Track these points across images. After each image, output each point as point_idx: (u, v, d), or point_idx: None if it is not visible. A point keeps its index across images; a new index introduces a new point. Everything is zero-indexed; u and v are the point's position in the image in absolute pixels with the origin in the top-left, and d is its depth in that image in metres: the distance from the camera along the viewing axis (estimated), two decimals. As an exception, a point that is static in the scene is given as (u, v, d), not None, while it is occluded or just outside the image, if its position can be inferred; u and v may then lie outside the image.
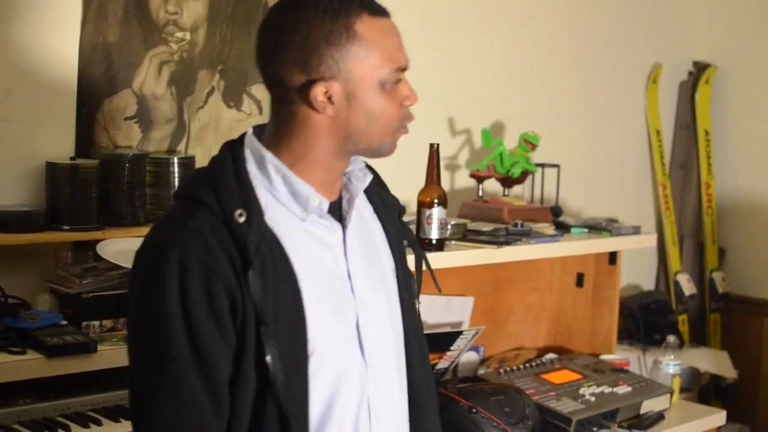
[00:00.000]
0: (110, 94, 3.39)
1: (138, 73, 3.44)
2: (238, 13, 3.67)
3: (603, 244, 4.18)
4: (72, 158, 3.22)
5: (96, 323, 2.99)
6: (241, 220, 1.94)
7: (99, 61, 3.35)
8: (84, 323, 2.96)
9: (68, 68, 3.29)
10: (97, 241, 3.12)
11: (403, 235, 2.35)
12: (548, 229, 4.04)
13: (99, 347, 2.82)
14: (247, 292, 1.92)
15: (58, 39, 3.27)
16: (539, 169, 4.49)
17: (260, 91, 3.74)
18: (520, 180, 4.28)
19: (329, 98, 1.99)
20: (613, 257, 4.31)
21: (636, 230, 4.29)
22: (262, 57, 2.06)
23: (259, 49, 2.06)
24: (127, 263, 3.01)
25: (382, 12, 2.05)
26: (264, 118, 3.74)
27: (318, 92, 1.98)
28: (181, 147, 3.56)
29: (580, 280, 4.40)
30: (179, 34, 3.53)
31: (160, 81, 3.49)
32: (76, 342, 2.79)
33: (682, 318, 5.58)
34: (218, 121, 3.64)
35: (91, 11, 3.31)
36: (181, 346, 1.90)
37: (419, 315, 2.34)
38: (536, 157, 4.36)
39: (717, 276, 5.73)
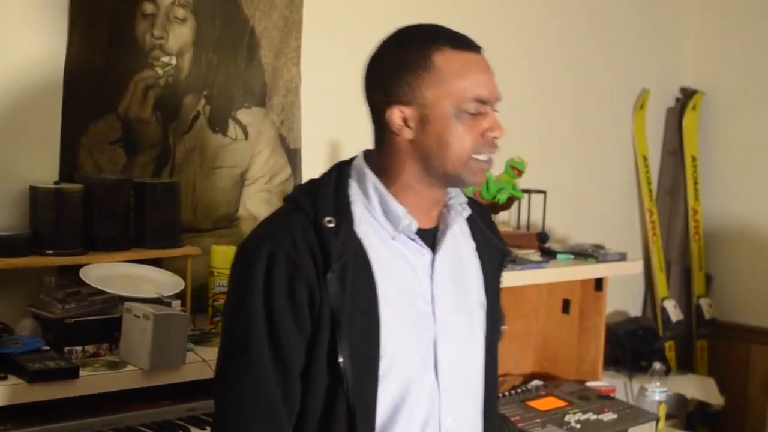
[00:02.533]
0: (95, 118, 3.37)
1: (123, 97, 3.43)
2: (224, 38, 3.66)
3: (589, 271, 4.19)
4: (56, 182, 3.20)
5: (79, 348, 2.96)
6: (330, 226, 2.12)
7: (84, 85, 3.34)
8: (66, 348, 2.93)
9: (53, 91, 3.28)
10: (81, 265, 3.10)
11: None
12: (534, 255, 4.04)
13: (81, 372, 2.79)
14: (325, 291, 2.08)
15: (43, 62, 3.26)
16: (526, 195, 4.48)
17: (246, 116, 3.74)
18: (506, 206, 4.27)
19: (405, 122, 2.17)
20: (599, 283, 4.31)
21: (622, 257, 4.29)
22: (364, 86, 2.26)
23: (363, 80, 2.27)
24: (111, 288, 3.03)
25: (467, 46, 2.21)
26: (250, 143, 3.76)
27: (393, 114, 2.17)
28: (165, 172, 3.55)
29: (566, 307, 4.40)
30: (165, 59, 3.53)
31: (146, 105, 3.48)
32: (59, 367, 2.76)
33: (669, 344, 5.58)
34: (204, 146, 3.63)
35: (77, 35, 3.30)
36: (260, 332, 2.09)
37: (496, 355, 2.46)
38: (523, 182, 4.35)
39: (704, 302, 5.73)
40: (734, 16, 5.79)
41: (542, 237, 4.32)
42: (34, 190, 3.14)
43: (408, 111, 2.16)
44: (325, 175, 2.26)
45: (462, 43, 2.21)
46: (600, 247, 4.32)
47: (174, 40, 3.54)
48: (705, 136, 5.80)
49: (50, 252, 3.11)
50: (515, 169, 4.21)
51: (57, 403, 2.82)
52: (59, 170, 3.30)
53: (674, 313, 5.59)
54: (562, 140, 5.11)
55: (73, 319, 2.97)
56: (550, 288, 4.40)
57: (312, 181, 2.27)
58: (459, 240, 2.35)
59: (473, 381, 2.34)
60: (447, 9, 4.44)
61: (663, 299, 5.63)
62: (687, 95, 5.79)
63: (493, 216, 4.22)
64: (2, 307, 3.11)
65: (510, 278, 3.74)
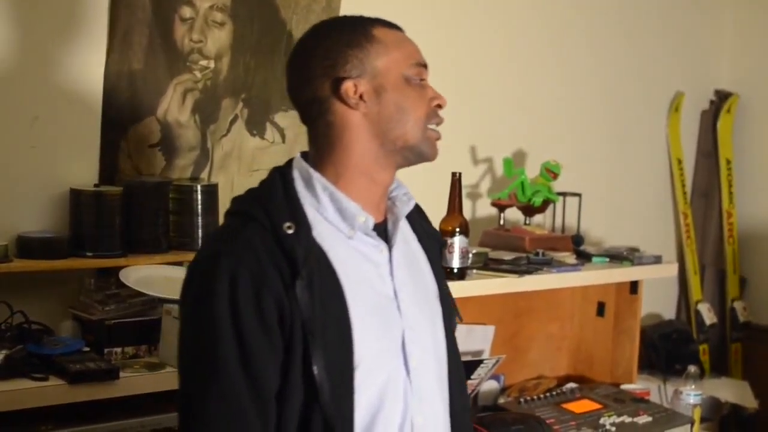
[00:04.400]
0: (134, 121, 3.41)
1: (162, 100, 3.46)
2: (262, 42, 3.69)
3: (624, 274, 4.18)
4: (96, 185, 3.24)
5: (118, 350, 2.99)
6: (290, 232, 2.01)
7: (124, 89, 3.37)
8: (106, 350, 2.97)
9: (93, 96, 3.31)
10: (120, 267, 3.13)
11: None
12: (569, 258, 4.04)
13: (121, 374, 2.82)
14: (294, 303, 1.97)
15: (83, 67, 3.29)
16: (561, 198, 4.49)
17: (284, 120, 3.76)
18: (541, 209, 4.28)
19: (360, 96, 2.09)
20: (634, 286, 4.30)
21: (657, 259, 4.28)
22: (291, 84, 2.17)
23: (288, 80, 2.18)
24: (150, 290, 3.05)
25: (395, 26, 2.21)
26: (287, 147, 3.76)
27: (348, 88, 2.08)
28: (204, 175, 3.57)
29: (600, 310, 4.39)
30: (203, 63, 3.55)
31: (184, 109, 3.51)
32: (99, 368, 2.79)
33: (703, 347, 5.56)
34: (241, 149, 3.66)
35: (117, 39, 3.33)
36: (230, 355, 1.94)
37: (456, 343, 2.38)
38: (558, 185, 4.37)
39: (738, 305, 5.71)
40: (769, 18, 5.78)
41: (577, 240, 4.32)
42: (74, 193, 3.18)
43: (361, 84, 2.09)
44: (267, 182, 2.15)
45: (392, 24, 2.22)
46: (635, 249, 4.32)
47: (212, 43, 3.56)
48: (739, 138, 5.78)
49: (90, 254, 3.15)
50: (550, 171, 4.22)
51: (97, 404, 2.85)
52: (99, 173, 3.33)
53: (708, 316, 5.57)
54: (597, 143, 5.11)
55: (112, 321, 3.01)
56: (584, 291, 4.40)
57: (255, 190, 2.16)
58: (405, 232, 2.28)
59: (440, 374, 2.27)
60: (481, 14, 4.45)
61: (697, 302, 5.62)
62: (721, 98, 5.77)
63: (527, 218, 4.26)
64: (43, 308, 3.14)
65: (545, 281, 3.78)
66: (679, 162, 5.57)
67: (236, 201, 2.17)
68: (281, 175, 2.13)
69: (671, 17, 5.51)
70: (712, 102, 5.80)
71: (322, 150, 2.14)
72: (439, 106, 2.17)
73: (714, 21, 5.83)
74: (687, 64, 5.67)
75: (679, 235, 5.66)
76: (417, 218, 2.34)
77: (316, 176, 2.11)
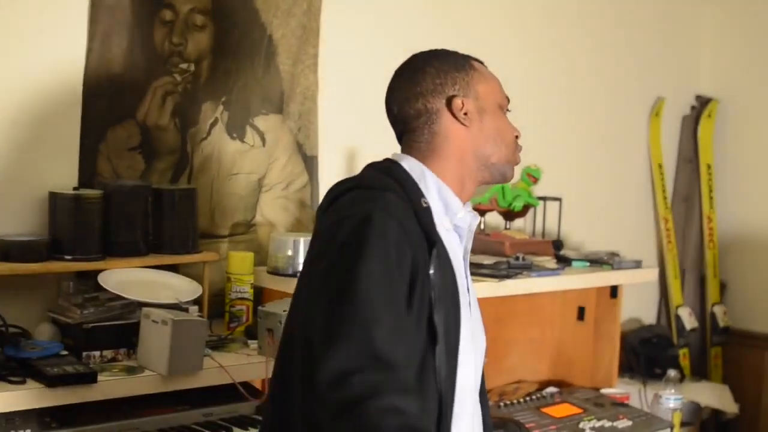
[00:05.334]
0: (114, 124, 3.40)
1: (142, 103, 3.46)
2: (242, 45, 3.68)
3: (604, 278, 4.19)
4: (75, 188, 3.23)
5: (97, 353, 2.98)
6: (425, 206, 2.24)
7: (103, 92, 3.36)
8: (84, 353, 2.96)
9: (72, 98, 3.30)
10: (99, 271, 3.12)
11: None
12: (550, 262, 4.05)
13: (99, 377, 2.80)
14: (426, 267, 2.17)
15: (63, 69, 3.28)
16: (541, 203, 4.49)
17: (264, 123, 3.75)
18: (521, 213, 4.29)
19: (465, 113, 2.34)
20: (614, 291, 4.31)
21: (637, 264, 4.30)
22: (399, 95, 2.38)
23: (395, 92, 2.40)
24: (129, 294, 3.05)
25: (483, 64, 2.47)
26: (267, 150, 3.77)
27: (458, 104, 2.33)
28: (183, 178, 3.57)
29: (581, 314, 4.41)
30: (183, 65, 3.55)
31: (164, 112, 3.50)
32: (77, 372, 2.78)
33: (683, 352, 5.57)
34: (221, 153, 3.65)
35: (96, 42, 3.32)
36: (376, 287, 2.06)
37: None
38: (538, 190, 4.37)
39: (718, 310, 5.73)
40: (749, 24, 5.79)
41: (557, 244, 4.32)
42: (53, 196, 3.17)
43: (467, 103, 2.34)
44: (387, 167, 2.33)
45: (480, 61, 2.47)
46: (615, 254, 4.33)
47: (192, 46, 3.56)
48: (720, 144, 5.79)
49: (69, 257, 3.13)
50: (531, 176, 4.23)
51: (75, 408, 2.84)
52: (78, 176, 3.32)
53: (688, 320, 5.58)
54: (578, 148, 5.12)
55: (91, 324, 3.00)
56: (565, 295, 4.41)
57: (375, 171, 2.34)
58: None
59: (480, 373, 2.45)
60: (464, 19, 4.45)
61: (677, 307, 5.63)
62: (702, 103, 5.79)
63: (508, 223, 4.27)
64: (21, 311, 3.13)
65: (525, 285, 3.78)
66: (660, 167, 5.58)
67: (353, 179, 2.33)
68: (395, 167, 2.32)
69: (652, 23, 5.53)
70: (692, 107, 5.82)
71: (425, 153, 2.35)
72: (517, 137, 2.42)
73: (694, 27, 5.84)
74: (668, 70, 5.68)
75: (660, 239, 5.67)
76: None
77: (428, 171, 2.32)
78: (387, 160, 2.37)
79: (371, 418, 1.90)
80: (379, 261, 2.08)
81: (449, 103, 2.34)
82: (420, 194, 2.25)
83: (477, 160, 2.35)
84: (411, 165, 2.33)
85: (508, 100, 2.44)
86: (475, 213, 2.44)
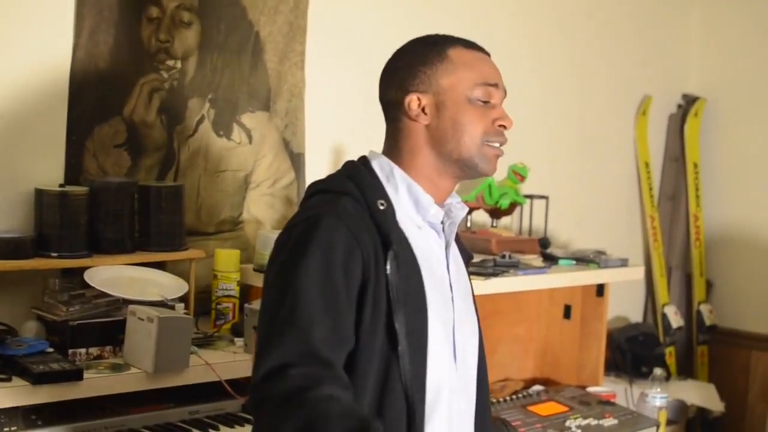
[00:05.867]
0: (100, 121, 3.39)
1: (128, 100, 3.45)
2: (229, 43, 3.68)
3: (591, 276, 4.19)
4: (61, 185, 3.22)
5: (83, 351, 2.98)
6: (382, 208, 2.24)
7: (89, 88, 3.35)
8: (70, 351, 2.95)
9: (59, 95, 3.29)
10: (85, 268, 3.12)
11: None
12: (536, 260, 4.05)
13: (85, 375, 2.80)
14: (382, 271, 2.17)
15: (49, 65, 3.27)
16: (528, 201, 4.50)
17: (250, 120, 3.75)
18: (508, 211, 4.29)
19: (423, 109, 2.32)
20: (600, 289, 4.31)
21: (624, 262, 4.30)
22: (380, 88, 2.41)
23: (379, 83, 2.41)
24: (115, 291, 3.04)
25: (477, 48, 2.41)
26: (254, 147, 3.77)
27: (411, 101, 2.32)
28: (170, 175, 3.56)
29: (567, 312, 4.41)
30: (170, 62, 3.54)
31: (151, 109, 3.50)
32: (63, 369, 2.78)
33: (670, 350, 5.59)
34: (208, 150, 3.64)
35: (83, 38, 3.31)
36: (314, 287, 2.09)
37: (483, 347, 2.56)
38: (525, 188, 4.38)
39: (704, 308, 5.74)
40: (736, 23, 5.80)
41: (544, 242, 4.33)
42: (39, 193, 3.16)
43: (424, 98, 2.31)
44: (353, 166, 2.35)
45: (473, 45, 2.40)
46: (601, 252, 4.33)
47: (179, 43, 3.55)
48: (706, 142, 5.80)
49: (55, 254, 3.13)
50: (518, 174, 4.23)
51: (61, 405, 2.83)
52: (64, 173, 3.31)
53: (675, 319, 5.59)
54: (565, 146, 5.13)
55: (77, 322, 2.99)
56: (551, 293, 4.41)
57: (339, 174, 2.36)
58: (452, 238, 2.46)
59: (470, 370, 2.44)
60: (452, 15, 4.45)
61: (664, 305, 5.64)
62: (689, 102, 5.80)
63: (494, 221, 4.27)
64: (7, 309, 3.13)
65: (511, 283, 3.78)
66: (647, 165, 5.59)
67: (319, 183, 2.35)
68: (363, 165, 2.35)
69: (639, 21, 5.53)
70: (679, 106, 5.82)
71: (394, 150, 2.36)
72: (503, 126, 2.36)
73: (681, 25, 5.85)
74: (655, 68, 5.69)
75: (646, 238, 5.68)
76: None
77: (396, 169, 2.33)
78: (361, 159, 2.38)
79: (312, 406, 1.93)
80: (321, 264, 2.11)
81: (402, 100, 2.33)
82: (377, 196, 2.25)
83: (440, 156, 2.32)
84: (381, 163, 2.34)
85: (495, 86, 2.36)
86: (462, 204, 2.44)
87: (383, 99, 2.40)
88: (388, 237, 2.19)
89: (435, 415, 2.27)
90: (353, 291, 2.14)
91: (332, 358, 2.06)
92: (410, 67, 2.34)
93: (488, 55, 2.42)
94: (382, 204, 2.24)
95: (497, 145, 2.34)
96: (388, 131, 2.39)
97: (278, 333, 2.07)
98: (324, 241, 2.12)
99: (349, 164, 2.38)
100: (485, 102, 2.33)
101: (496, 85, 2.36)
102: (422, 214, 2.33)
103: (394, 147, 2.36)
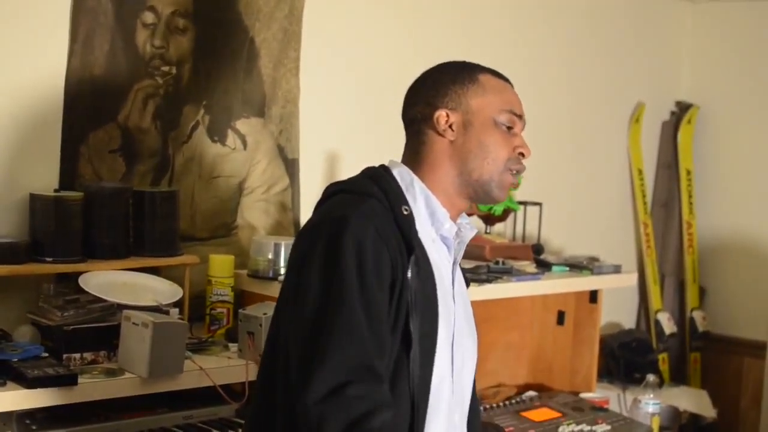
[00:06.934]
0: (95, 126, 3.39)
1: (123, 106, 3.45)
2: (223, 48, 3.68)
3: (584, 283, 4.20)
4: (56, 190, 3.22)
5: (77, 356, 2.98)
6: (406, 213, 2.27)
7: (85, 94, 3.35)
8: (65, 355, 2.95)
9: (54, 100, 3.30)
10: (80, 273, 3.12)
11: None
12: (529, 267, 4.06)
13: (80, 379, 2.80)
14: (404, 274, 2.19)
15: (44, 71, 3.27)
16: (521, 207, 4.51)
17: (245, 127, 3.76)
18: (502, 218, 4.30)
19: (450, 126, 2.36)
20: (593, 296, 4.32)
21: (617, 269, 4.31)
22: (404, 103, 2.46)
23: (404, 100, 2.46)
24: (109, 296, 3.04)
25: (505, 78, 2.47)
26: (248, 153, 3.77)
27: (440, 116, 2.36)
28: (164, 181, 3.57)
29: (560, 318, 4.41)
30: (165, 68, 3.54)
31: (146, 115, 3.50)
32: (57, 374, 2.77)
33: (663, 357, 5.59)
34: (202, 156, 3.65)
35: (78, 44, 3.32)
36: (354, 297, 2.11)
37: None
38: (519, 195, 4.38)
39: (697, 315, 5.75)
40: (729, 31, 5.82)
41: (537, 249, 4.34)
42: (34, 198, 3.16)
43: (453, 116, 2.36)
44: (376, 172, 2.37)
45: (501, 75, 2.47)
46: (595, 259, 4.35)
47: (174, 49, 3.56)
48: (699, 149, 5.82)
49: (49, 259, 3.13)
50: (511, 181, 4.23)
51: (55, 410, 2.84)
52: (59, 178, 3.31)
53: (668, 325, 5.60)
54: (558, 153, 5.13)
55: (71, 327, 2.99)
56: (544, 299, 4.42)
57: (363, 177, 2.38)
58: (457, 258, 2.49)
59: (465, 389, 2.48)
60: (446, 24, 4.46)
61: (657, 311, 5.65)
62: (682, 109, 5.81)
63: (488, 227, 4.28)
64: (1, 313, 3.13)
65: (505, 289, 3.79)
66: (640, 172, 5.60)
67: (343, 183, 2.37)
68: (385, 172, 2.37)
69: (632, 29, 5.55)
70: (672, 113, 5.84)
71: (415, 163, 2.39)
72: (522, 155, 2.41)
73: (675, 33, 5.87)
74: (648, 76, 5.71)
75: (639, 244, 5.69)
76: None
77: (417, 179, 2.36)
78: (381, 167, 2.40)
79: None
80: (357, 270, 2.13)
81: (431, 115, 2.36)
82: (402, 202, 2.28)
83: (459, 174, 2.36)
84: (402, 173, 2.37)
85: (519, 117, 2.43)
86: (473, 226, 2.48)
87: (408, 114, 2.44)
88: (411, 242, 2.22)
89: (435, 420, 2.29)
90: (386, 295, 2.17)
91: (382, 371, 2.12)
92: (441, 84, 2.39)
93: (511, 84, 2.48)
94: (406, 209, 2.27)
95: (515, 173, 2.40)
96: (410, 145, 2.43)
97: (326, 345, 2.08)
98: (355, 248, 2.14)
99: (370, 170, 2.40)
100: (508, 128, 2.40)
101: (520, 116, 2.43)
102: (436, 227, 2.36)
103: (415, 159, 2.39)
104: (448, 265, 2.40)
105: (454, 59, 2.50)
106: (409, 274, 2.20)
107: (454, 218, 2.40)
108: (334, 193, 2.34)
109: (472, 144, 2.35)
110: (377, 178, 2.33)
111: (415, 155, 2.40)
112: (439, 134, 2.36)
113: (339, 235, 2.15)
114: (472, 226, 2.48)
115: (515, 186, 2.42)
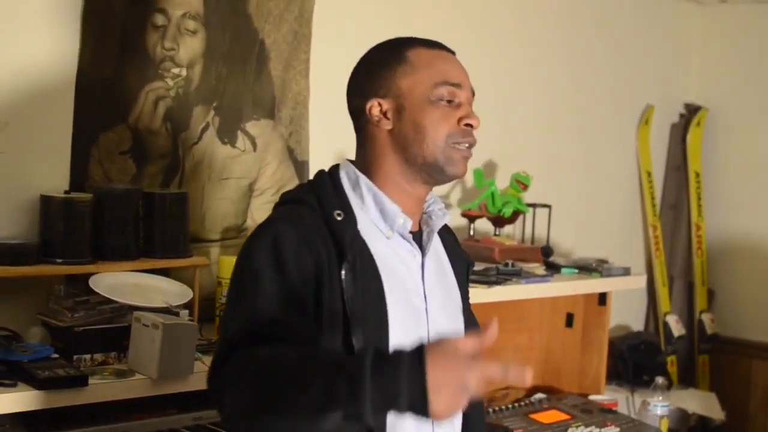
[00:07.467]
0: (106, 128, 3.40)
1: (134, 108, 3.46)
2: (234, 50, 3.69)
3: (593, 285, 4.20)
4: (66, 192, 3.22)
5: (87, 357, 2.98)
6: (339, 218, 2.17)
7: (95, 96, 3.36)
8: (75, 356, 2.95)
9: (64, 102, 3.30)
10: (90, 274, 3.12)
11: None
12: (538, 269, 4.06)
13: (90, 381, 2.79)
14: (337, 283, 2.10)
15: (54, 73, 3.28)
16: (531, 209, 4.51)
17: (255, 128, 3.76)
18: (511, 220, 4.30)
19: (385, 114, 2.25)
20: (602, 298, 4.33)
21: (626, 271, 4.31)
22: (346, 96, 2.37)
23: (346, 91, 2.37)
24: (119, 297, 3.04)
25: (440, 47, 2.32)
26: (258, 155, 3.77)
27: (372, 107, 2.26)
28: (174, 182, 3.57)
29: (569, 321, 4.42)
30: (175, 70, 3.55)
31: (156, 116, 3.51)
32: (67, 375, 2.77)
33: (671, 359, 5.59)
34: (212, 158, 3.66)
35: (89, 46, 3.32)
36: (271, 288, 2.06)
37: None
38: (528, 197, 4.39)
39: (706, 317, 5.75)
40: (737, 34, 5.82)
41: (546, 251, 4.34)
42: (44, 199, 3.16)
43: (385, 103, 2.25)
44: (316, 179, 2.31)
45: (435, 44, 2.32)
46: (604, 261, 4.35)
47: (184, 51, 3.56)
48: (708, 152, 5.82)
49: (60, 261, 3.13)
50: (520, 183, 4.24)
51: (65, 411, 2.84)
52: (69, 180, 3.32)
53: (676, 327, 5.61)
54: (567, 155, 5.14)
55: (81, 328, 2.99)
56: (553, 302, 4.42)
57: (303, 185, 2.35)
58: (437, 245, 2.40)
59: None
60: (455, 25, 4.46)
61: (665, 314, 5.65)
62: (691, 111, 5.81)
63: (497, 229, 4.28)
64: (12, 315, 3.12)
65: (514, 292, 3.79)
66: (649, 174, 5.60)
67: (286, 193, 2.35)
68: (329, 175, 2.30)
69: (642, 31, 5.55)
70: (681, 115, 5.84)
71: (362, 159, 2.31)
72: (470, 126, 2.25)
73: (683, 35, 5.87)
74: (657, 78, 5.71)
75: (648, 247, 5.69)
76: (448, 237, 2.49)
77: (363, 178, 2.27)
78: (332, 168, 2.34)
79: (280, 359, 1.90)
80: (273, 258, 2.08)
81: (364, 106, 2.28)
82: (335, 207, 2.19)
83: (406, 161, 2.24)
84: (348, 172, 2.29)
85: (457, 86, 2.25)
86: (445, 212, 2.37)
87: (350, 109, 2.35)
88: (343, 248, 2.12)
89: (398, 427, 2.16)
90: (307, 289, 2.08)
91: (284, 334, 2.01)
92: (370, 72, 2.30)
93: (452, 53, 2.33)
94: (339, 215, 2.17)
95: (465, 146, 2.24)
96: (357, 140, 2.34)
97: (227, 325, 2.09)
98: (271, 243, 2.10)
99: (317, 174, 2.33)
100: (449, 102, 2.23)
101: (459, 85, 2.25)
102: (389, 223, 2.24)
103: (361, 155, 2.31)
104: (413, 260, 2.28)
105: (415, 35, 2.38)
106: (344, 282, 2.10)
107: (414, 209, 2.29)
108: (278, 204, 2.31)
109: (408, 128, 2.22)
110: (315, 185, 2.28)
111: (362, 150, 2.31)
112: (375, 125, 2.26)
113: (258, 236, 2.15)
114: (444, 211, 2.36)
115: (467, 156, 2.27)
